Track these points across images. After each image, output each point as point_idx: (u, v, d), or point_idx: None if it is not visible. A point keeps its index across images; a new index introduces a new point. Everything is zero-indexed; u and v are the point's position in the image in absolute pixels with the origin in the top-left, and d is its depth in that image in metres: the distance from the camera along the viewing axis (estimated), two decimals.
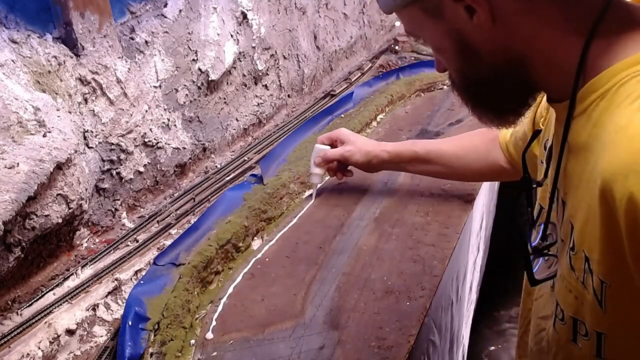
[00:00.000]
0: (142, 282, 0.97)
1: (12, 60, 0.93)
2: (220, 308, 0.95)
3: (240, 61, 1.53)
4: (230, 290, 0.99)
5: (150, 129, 1.22)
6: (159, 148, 1.26)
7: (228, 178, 1.39)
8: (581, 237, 0.52)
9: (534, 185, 0.68)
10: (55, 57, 1.00)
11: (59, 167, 0.92)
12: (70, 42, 1.05)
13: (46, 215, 0.92)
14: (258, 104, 1.65)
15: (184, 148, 1.35)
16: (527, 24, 0.54)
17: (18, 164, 0.84)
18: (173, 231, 1.18)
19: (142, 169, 1.22)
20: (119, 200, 1.19)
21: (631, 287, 0.48)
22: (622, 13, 0.52)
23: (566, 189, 0.57)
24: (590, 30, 0.52)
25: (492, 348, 2.20)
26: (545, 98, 0.67)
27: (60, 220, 0.95)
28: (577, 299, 0.55)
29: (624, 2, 0.54)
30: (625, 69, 0.49)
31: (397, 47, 2.36)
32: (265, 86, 1.68)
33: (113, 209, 1.18)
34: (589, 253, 0.51)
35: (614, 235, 0.47)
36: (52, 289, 0.98)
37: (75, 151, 0.96)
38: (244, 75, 1.56)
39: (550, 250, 0.63)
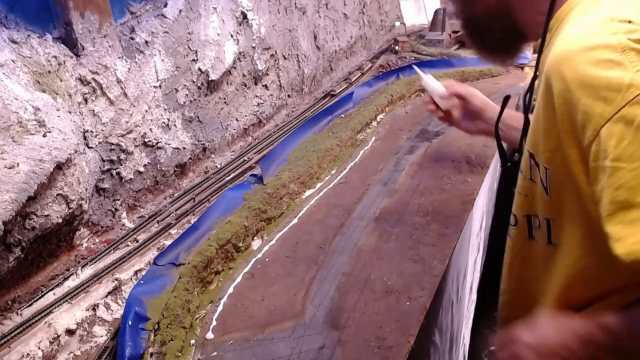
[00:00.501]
0: (142, 282, 0.97)
1: (12, 60, 0.93)
2: (220, 308, 0.94)
3: (240, 61, 1.53)
4: (230, 290, 0.99)
5: (150, 129, 1.22)
6: (159, 148, 1.26)
7: (228, 178, 1.39)
8: (530, 140, 0.64)
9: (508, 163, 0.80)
10: (55, 57, 1.00)
11: (59, 167, 0.92)
12: (70, 42, 1.05)
13: (46, 215, 0.92)
14: (258, 104, 1.65)
15: (184, 148, 1.35)
16: None
17: (18, 164, 0.84)
18: (173, 231, 1.18)
19: (142, 169, 1.22)
20: (119, 200, 1.19)
21: (566, 170, 0.58)
22: None
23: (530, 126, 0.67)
24: None
25: (493, 348, 2.20)
26: None
27: (60, 220, 0.95)
28: (527, 196, 0.68)
29: None
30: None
31: (397, 47, 2.37)
32: (265, 86, 1.68)
33: (113, 209, 1.18)
34: (534, 149, 0.63)
35: (552, 120, 0.57)
36: (52, 289, 0.98)
37: (75, 151, 0.96)
38: (244, 75, 1.56)
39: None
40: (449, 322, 1.22)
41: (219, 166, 1.46)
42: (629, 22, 0.54)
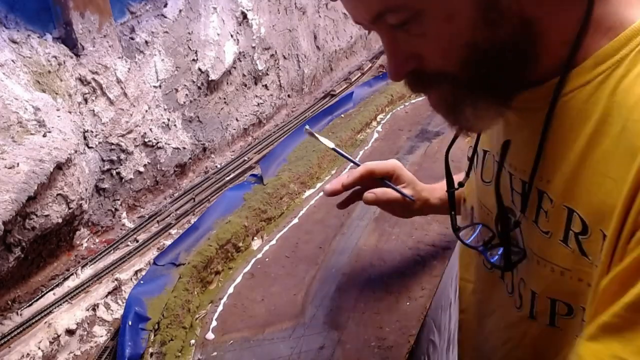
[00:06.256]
0: (142, 282, 0.97)
1: (12, 60, 0.93)
2: (220, 308, 0.95)
3: (240, 61, 1.53)
4: (230, 290, 0.99)
5: (150, 129, 1.22)
6: (159, 148, 1.26)
7: (228, 178, 1.39)
8: (599, 215, 0.47)
9: (456, 188, 0.68)
10: (55, 57, 1.00)
11: (59, 167, 0.92)
12: (70, 42, 1.05)
13: (46, 215, 0.92)
14: (258, 104, 1.65)
15: (184, 148, 1.35)
16: None
17: (18, 164, 0.84)
18: (173, 231, 1.18)
19: (142, 169, 1.22)
20: (119, 200, 1.19)
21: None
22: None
23: (548, 176, 0.53)
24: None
25: None
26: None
27: (60, 220, 0.95)
28: (589, 286, 0.51)
29: None
30: (634, 37, 0.45)
31: None
32: (265, 86, 1.68)
33: (113, 209, 1.18)
34: (607, 230, 0.47)
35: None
36: (52, 289, 0.98)
37: (75, 151, 0.96)
38: (244, 75, 1.56)
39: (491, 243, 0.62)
40: (447, 322, 1.22)
41: (219, 166, 1.46)
42: None
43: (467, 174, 0.68)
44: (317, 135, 0.89)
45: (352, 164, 0.91)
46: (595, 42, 0.48)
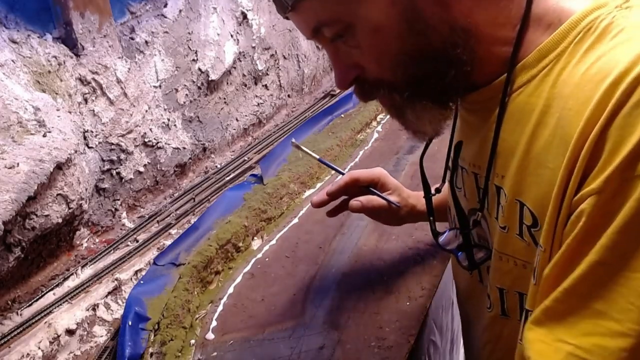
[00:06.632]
0: (142, 282, 0.97)
1: (12, 60, 0.93)
2: (220, 308, 0.94)
3: (240, 61, 1.53)
4: (230, 290, 0.99)
5: (150, 129, 1.22)
6: (159, 148, 1.26)
7: (228, 178, 1.39)
8: (543, 206, 0.48)
9: (433, 193, 0.70)
10: (55, 57, 1.00)
11: (59, 167, 0.92)
12: (70, 42, 1.05)
13: (46, 215, 0.92)
14: (258, 104, 1.65)
15: (184, 148, 1.35)
16: None
17: (18, 164, 0.84)
18: (173, 231, 1.18)
19: (142, 169, 1.22)
20: (119, 200, 1.19)
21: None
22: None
23: (502, 171, 0.54)
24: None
25: None
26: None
27: (60, 220, 0.95)
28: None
29: None
30: (572, 29, 0.47)
31: None
32: (265, 86, 1.68)
33: (113, 209, 1.18)
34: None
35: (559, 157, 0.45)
36: (52, 289, 0.98)
37: (75, 151, 0.96)
38: (244, 75, 1.56)
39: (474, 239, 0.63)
40: (449, 322, 1.21)
41: (219, 166, 1.46)
42: None
43: (444, 180, 0.69)
44: (303, 147, 0.91)
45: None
46: (537, 37, 0.50)
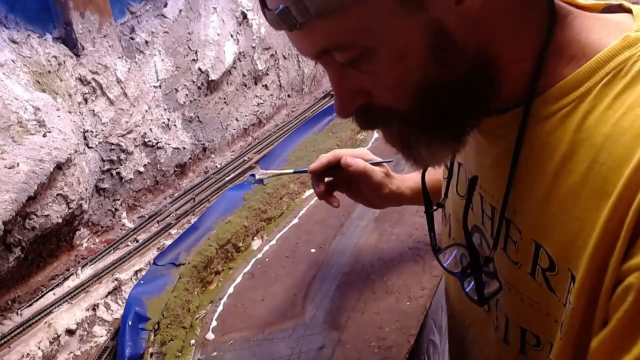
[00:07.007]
0: (142, 282, 0.97)
1: (12, 60, 0.93)
2: (220, 308, 0.95)
3: (240, 61, 1.53)
4: (230, 290, 0.99)
5: (150, 129, 1.22)
6: (159, 148, 1.26)
7: (228, 178, 1.39)
8: (566, 255, 0.46)
9: (434, 208, 0.66)
10: (55, 57, 1.00)
11: (59, 167, 0.92)
12: (70, 42, 1.05)
13: (46, 215, 0.92)
14: (258, 104, 1.65)
15: (184, 148, 1.35)
16: (492, 10, 0.44)
17: (18, 164, 0.84)
18: (173, 231, 1.18)
19: (142, 169, 1.22)
20: (119, 200, 1.19)
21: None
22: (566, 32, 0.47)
23: (515, 206, 0.51)
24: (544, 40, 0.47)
25: None
26: None
27: (60, 220, 0.95)
28: (556, 322, 0.50)
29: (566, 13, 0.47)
30: (599, 68, 0.44)
31: None
32: (265, 86, 1.68)
33: (113, 209, 1.18)
34: (575, 271, 0.45)
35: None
36: (52, 289, 0.98)
37: (75, 151, 0.96)
38: (244, 75, 1.56)
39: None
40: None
41: (219, 166, 1.46)
42: None
43: (445, 194, 0.67)
44: (271, 172, 0.98)
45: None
46: (559, 70, 0.47)
